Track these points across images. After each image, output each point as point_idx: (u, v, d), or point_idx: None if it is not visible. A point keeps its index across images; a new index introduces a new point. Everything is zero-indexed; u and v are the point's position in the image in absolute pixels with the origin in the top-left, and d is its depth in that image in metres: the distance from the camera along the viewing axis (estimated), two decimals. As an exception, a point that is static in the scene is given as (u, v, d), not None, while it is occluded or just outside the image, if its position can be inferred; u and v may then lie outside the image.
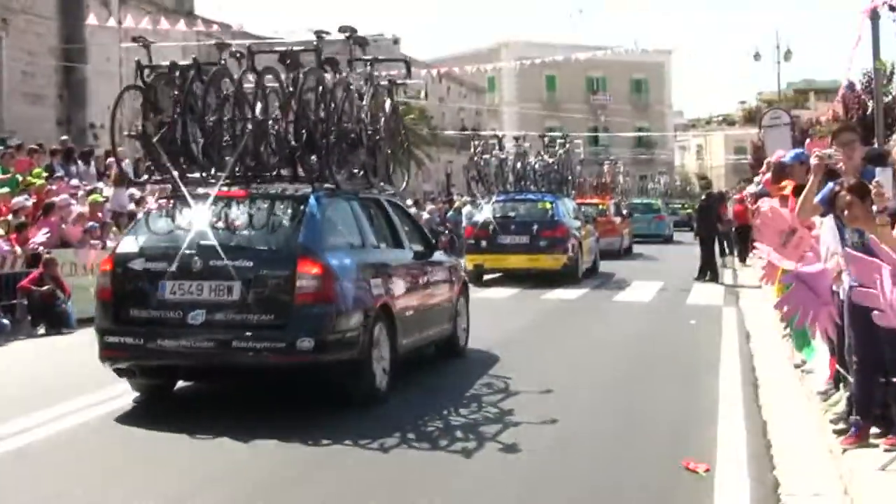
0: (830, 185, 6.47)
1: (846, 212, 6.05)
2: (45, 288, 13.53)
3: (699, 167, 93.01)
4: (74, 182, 18.95)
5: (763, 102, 77.21)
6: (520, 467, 6.51)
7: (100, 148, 25.62)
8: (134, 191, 19.39)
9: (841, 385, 7.38)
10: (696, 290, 18.73)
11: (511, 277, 20.32)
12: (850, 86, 28.45)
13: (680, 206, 55.88)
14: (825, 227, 6.86)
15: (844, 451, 6.20)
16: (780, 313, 7.46)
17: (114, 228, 16.77)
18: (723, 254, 23.88)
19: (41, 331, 13.37)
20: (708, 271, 20.77)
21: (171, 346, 7.81)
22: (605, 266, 24.03)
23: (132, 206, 18.31)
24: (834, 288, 6.89)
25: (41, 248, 14.33)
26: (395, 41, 49.44)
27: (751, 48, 52.63)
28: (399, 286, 9.05)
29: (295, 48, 9.09)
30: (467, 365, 10.51)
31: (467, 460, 6.66)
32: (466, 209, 28.38)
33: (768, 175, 9.72)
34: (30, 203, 15.78)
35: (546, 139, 29.33)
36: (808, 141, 11.08)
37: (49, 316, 13.51)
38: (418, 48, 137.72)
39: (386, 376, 8.48)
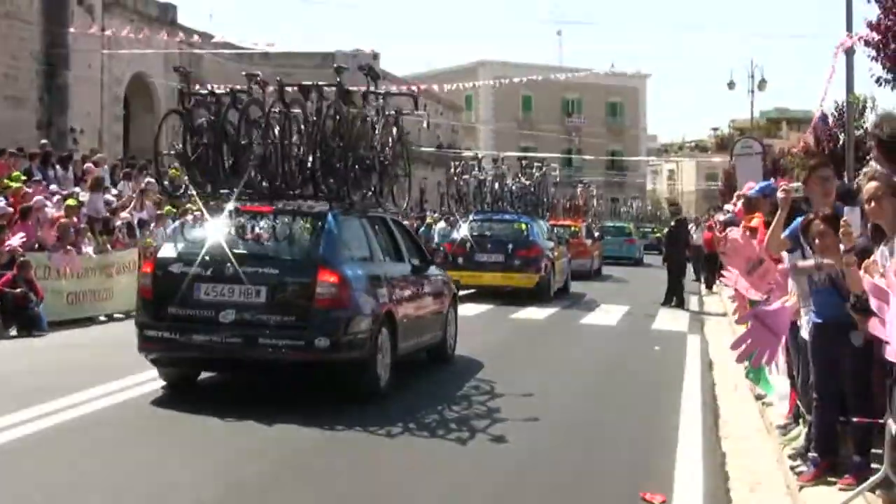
0: (800, 218, 6.44)
1: (817, 241, 6.00)
2: (17, 290, 13.57)
3: (670, 192, 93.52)
4: (53, 187, 18.83)
5: (736, 130, 78.15)
6: (508, 454, 7.44)
7: (79, 152, 25.75)
8: (109, 197, 19.51)
9: (800, 420, 7.35)
10: (661, 316, 18.98)
11: (484, 294, 20.73)
12: (823, 118, 28.74)
13: (650, 229, 56.58)
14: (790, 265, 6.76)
15: (801, 487, 6.15)
16: (736, 353, 7.48)
17: (88, 234, 16.77)
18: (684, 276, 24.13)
19: (13, 332, 13.35)
20: (674, 297, 21.00)
21: (203, 341, 8.74)
22: (575, 286, 24.72)
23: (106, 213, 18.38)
24: (798, 323, 6.84)
25: (17, 251, 14.27)
26: (375, 56, 49.67)
27: (726, 75, 53.31)
28: (401, 295, 10.03)
29: (319, 83, 10.09)
30: (456, 370, 11.42)
31: (462, 447, 7.62)
32: (439, 226, 28.66)
33: (740, 205, 9.86)
34: (7, 205, 15.78)
35: (524, 162, 29.87)
36: (772, 181, 11.04)
37: (21, 318, 13.57)
38: (396, 64, 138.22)
39: (387, 375, 9.43)
